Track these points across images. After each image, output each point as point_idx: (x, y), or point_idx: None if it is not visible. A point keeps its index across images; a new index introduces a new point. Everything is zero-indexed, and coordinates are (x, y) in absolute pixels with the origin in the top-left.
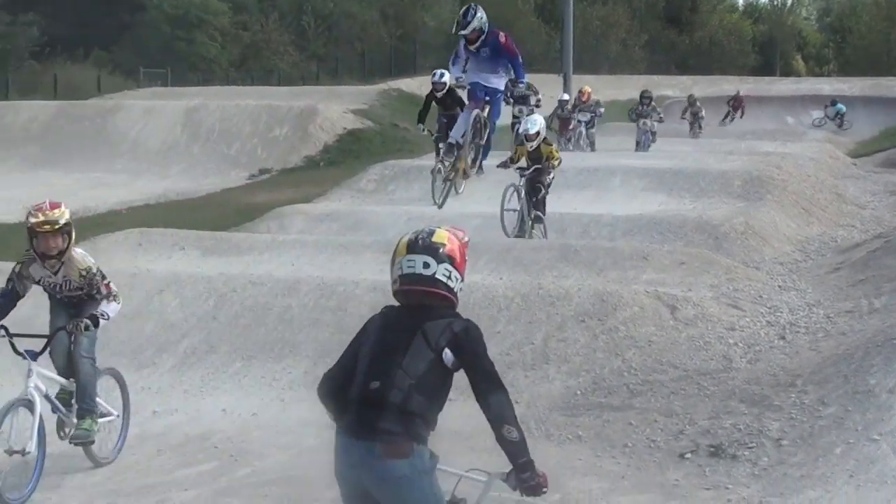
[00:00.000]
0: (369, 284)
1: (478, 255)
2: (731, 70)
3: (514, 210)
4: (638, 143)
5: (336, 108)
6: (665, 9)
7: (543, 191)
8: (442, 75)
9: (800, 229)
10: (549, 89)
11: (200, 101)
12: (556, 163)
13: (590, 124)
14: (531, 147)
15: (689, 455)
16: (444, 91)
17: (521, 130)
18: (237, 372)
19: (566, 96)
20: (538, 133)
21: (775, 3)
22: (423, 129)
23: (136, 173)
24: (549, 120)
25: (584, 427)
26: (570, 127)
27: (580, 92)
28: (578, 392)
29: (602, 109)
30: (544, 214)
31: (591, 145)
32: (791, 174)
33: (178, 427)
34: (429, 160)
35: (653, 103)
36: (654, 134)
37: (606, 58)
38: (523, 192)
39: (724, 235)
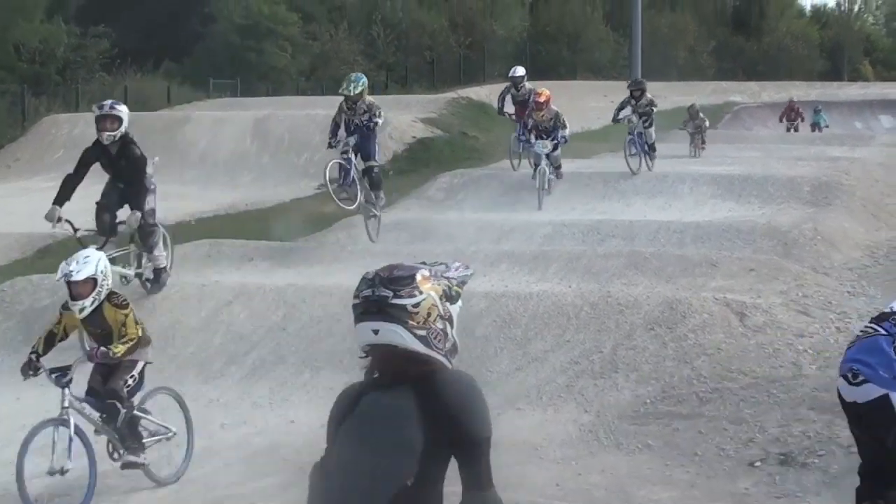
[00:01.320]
0: None
1: (548, 264)
2: (800, 75)
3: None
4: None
5: (405, 116)
6: (733, 15)
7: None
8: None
9: (868, 234)
10: (618, 96)
11: (270, 111)
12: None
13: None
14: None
15: (759, 463)
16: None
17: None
18: (306, 383)
19: (520, 70)
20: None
21: (843, 8)
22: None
23: (205, 184)
24: (499, 100)
25: (653, 436)
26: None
27: (536, 93)
28: (648, 400)
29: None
30: None
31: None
32: (859, 179)
33: (246, 439)
34: (497, 169)
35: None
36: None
37: (675, 64)
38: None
39: (792, 241)
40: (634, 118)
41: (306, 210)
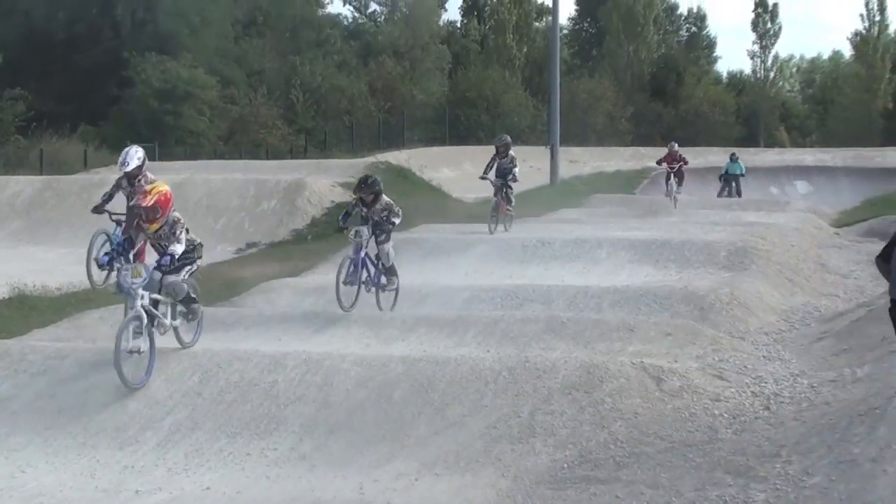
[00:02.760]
0: (356, 359)
1: (466, 328)
2: (717, 141)
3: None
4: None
5: (324, 181)
6: (651, 82)
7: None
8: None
9: (784, 299)
10: (537, 161)
11: (188, 175)
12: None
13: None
14: None
15: None
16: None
17: None
18: (222, 449)
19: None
20: None
21: (758, 75)
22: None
23: None
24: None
25: (570, 500)
26: None
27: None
28: (565, 465)
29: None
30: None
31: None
32: (775, 244)
33: None
34: (416, 234)
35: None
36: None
37: (593, 130)
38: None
39: (709, 306)
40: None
41: (224, 274)
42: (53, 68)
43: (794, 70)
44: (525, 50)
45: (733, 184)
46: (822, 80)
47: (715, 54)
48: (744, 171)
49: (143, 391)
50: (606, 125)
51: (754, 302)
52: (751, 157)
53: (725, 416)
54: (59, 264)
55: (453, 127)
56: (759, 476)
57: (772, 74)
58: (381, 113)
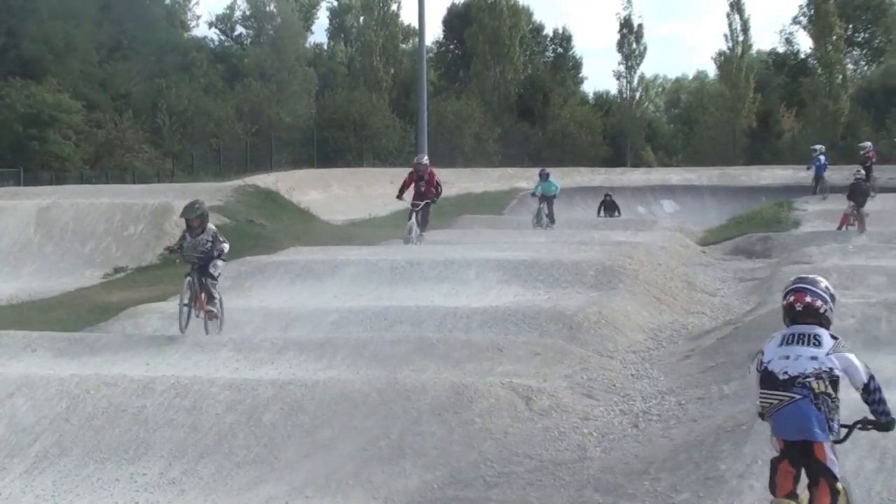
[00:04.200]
0: (225, 382)
1: (335, 351)
2: (584, 161)
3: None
4: None
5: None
6: (518, 103)
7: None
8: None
9: (652, 317)
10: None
11: (54, 199)
12: None
13: None
14: None
15: None
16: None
17: None
18: (91, 475)
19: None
20: None
21: (624, 95)
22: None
23: None
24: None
25: None
26: None
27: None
28: (435, 486)
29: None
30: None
31: None
32: (642, 263)
33: None
34: (284, 256)
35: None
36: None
37: (461, 151)
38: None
39: (577, 325)
40: None
41: (91, 299)
42: None
43: (660, 90)
44: (392, 72)
45: (543, 206)
46: (687, 99)
47: (581, 75)
48: (557, 192)
49: (9, 419)
50: (474, 146)
51: (622, 321)
52: (618, 176)
53: (594, 434)
54: None
55: (321, 149)
56: (628, 493)
57: (637, 94)
58: (249, 136)
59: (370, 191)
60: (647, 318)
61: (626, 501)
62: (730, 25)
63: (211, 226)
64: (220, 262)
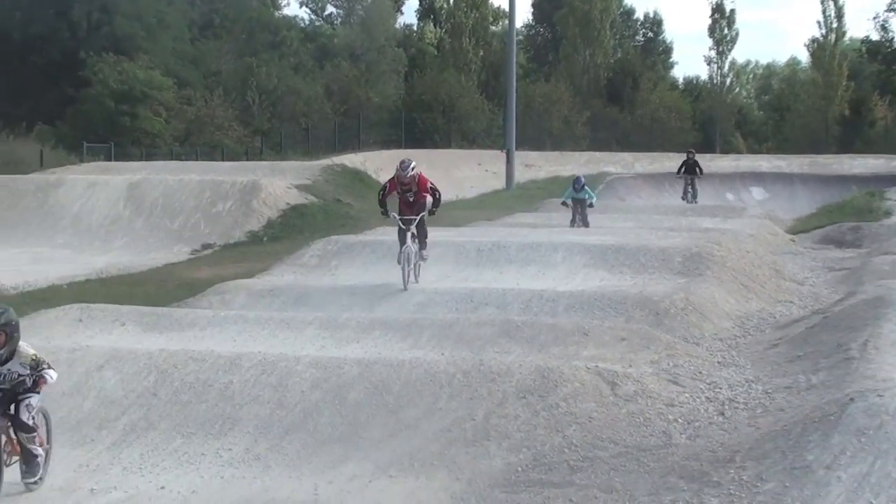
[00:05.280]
0: (311, 360)
1: (420, 331)
2: (673, 147)
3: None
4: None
5: (279, 183)
6: (607, 86)
7: None
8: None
9: (739, 305)
10: (492, 165)
11: (144, 175)
12: None
13: None
14: None
15: None
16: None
17: None
18: (177, 449)
19: None
20: None
21: (715, 81)
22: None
23: (78, 248)
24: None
25: None
26: None
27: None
28: (519, 468)
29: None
30: None
31: None
32: (731, 250)
33: None
34: (370, 236)
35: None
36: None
37: (549, 134)
38: None
39: (664, 311)
40: None
41: (179, 275)
42: (9, 68)
43: (751, 76)
44: (481, 54)
45: (580, 210)
46: (778, 86)
47: (671, 60)
48: (594, 200)
49: (98, 391)
50: (562, 130)
51: (709, 308)
52: (707, 163)
53: (680, 421)
54: (14, 263)
55: (409, 130)
56: (713, 481)
57: (728, 80)
58: (337, 115)
59: (457, 173)
60: (734, 306)
61: (710, 489)
62: (823, 12)
63: (26, 348)
64: (34, 400)
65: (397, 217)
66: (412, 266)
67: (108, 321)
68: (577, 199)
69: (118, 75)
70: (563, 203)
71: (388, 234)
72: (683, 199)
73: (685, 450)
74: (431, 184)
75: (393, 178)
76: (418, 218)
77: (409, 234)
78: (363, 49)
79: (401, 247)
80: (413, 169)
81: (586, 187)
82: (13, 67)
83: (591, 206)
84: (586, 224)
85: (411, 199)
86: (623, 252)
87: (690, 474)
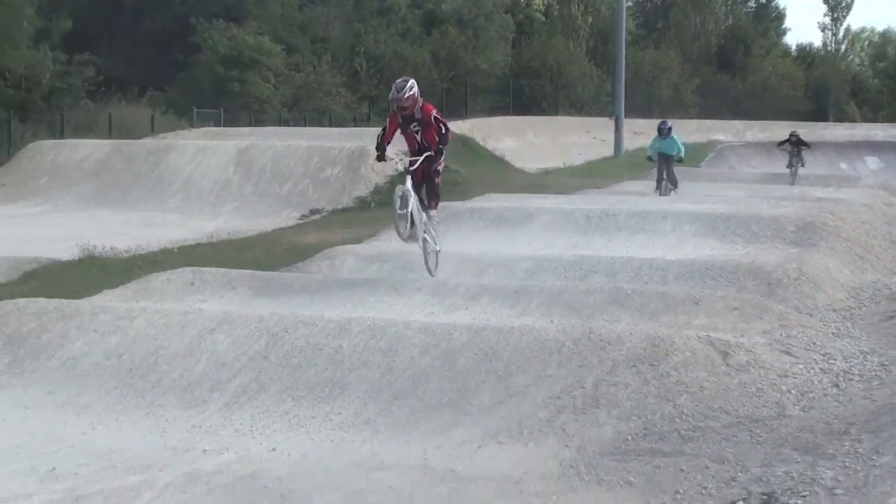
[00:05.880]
0: (420, 326)
1: (529, 298)
2: (785, 115)
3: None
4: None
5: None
6: (717, 53)
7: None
8: None
9: (853, 276)
10: (600, 132)
11: (253, 141)
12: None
13: None
14: None
15: (740, 503)
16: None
17: None
18: (287, 412)
19: None
20: None
21: (829, 48)
22: None
23: (188, 212)
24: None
25: (634, 472)
26: None
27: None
28: (629, 437)
29: None
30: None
31: None
32: (844, 220)
33: (228, 466)
34: (478, 203)
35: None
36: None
37: (658, 102)
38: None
39: (776, 281)
40: None
41: (288, 240)
42: (122, 34)
43: (866, 43)
44: (590, 20)
45: (664, 173)
46: (894, 54)
47: (784, 26)
48: (681, 153)
49: (209, 354)
50: (672, 97)
51: (823, 278)
52: (820, 131)
53: (793, 392)
54: (127, 227)
55: (516, 97)
56: (828, 454)
57: (843, 48)
58: (445, 82)
59: (565, 139)
60: (848, 277)
61: (825, 461)
62: None
63: None
64: None
65: (397, 159)
66: (412, 228)
67: (219, 285)
68: (664, 154)
69: (228, 41)
70: (649, 158)
71: (496, 200)
72: (789, 167)
73: (799, 421)
74: (437, 114)
75: (394, 110)
76: (422, 158)
77: (410, 179)
78: (471, 15)
79: (396, 198)
80: (411, 90)
81: (673, 135)
82: (126, 34)
83: (679, 160)
84: (674, 183)
85: (418, 137)
86: (734, 221)
87: (804, 446)
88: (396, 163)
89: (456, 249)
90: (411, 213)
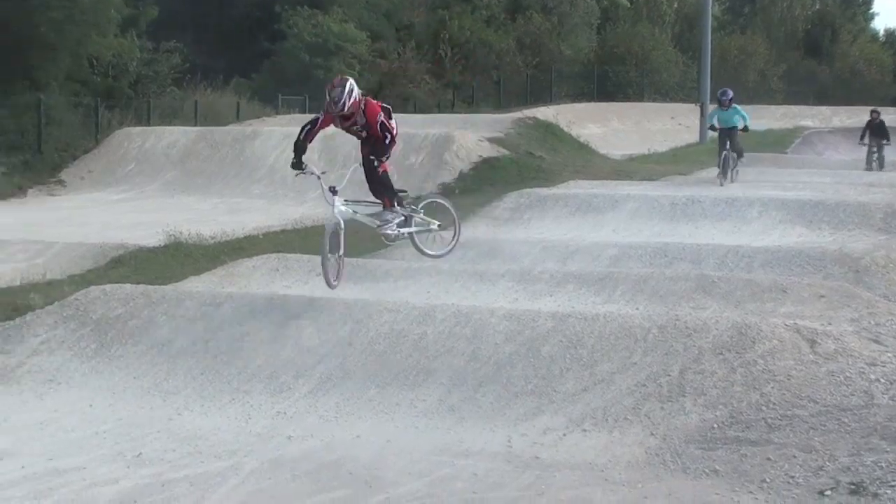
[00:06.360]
0: (504, 313)
1: (615, 285)
2: (873, 101)
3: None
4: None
5: (472, 135)
6: (804, 39)
7: None
8: None
9: None
10: (685, 118)
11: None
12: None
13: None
14: None
15: (828, 492)
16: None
17: None
18: (372, 398)
19: None
20: None
21: None
22: None
23: (273, 198)
24: None
25: (720, 461)
26: None
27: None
28: (715, 425)
29: None
30: None
31: None
32: None
33: (312, 453)
34: (563, 189)
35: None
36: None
37: (744, 88)
38: None
39: (864, 269)
40: None
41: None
42: (207, 21)
43: None
44: (675, 6)
45: (727, 144)
46: None
47: (872, 11)
48: (748, 122)
49: (294, 340)
50: (758, 83)
51: None
52: None
53: (882, 381)
54: (213, 214)
55: (601, 83)
56: None
57: None
58: (529, 68)
59: (650, 126)
60: None
61: None
62: None
63: None
64: None
65: (317, 172)
66: (337, 258)
67: (303, 271)
68: (726, 127)
69: (312, 28)
70: (711, 127)
71: (581, 187)
72: (867, 167)
73: (888, 410)
74: (384, 118)
75: (327, 108)
76: (348, 175)
77: (335, 198)
78: (555, 2)
79: (326, 230)
80: (351, 95)
81: (735, 104)
82: (211, 21)
83: (745, 129)
84: (739, 153)
85: (364, 134)
86: (821, 207)
87: (893, 435)
88: (318, 177)
89: (540, 236)
90: (341, 257)
